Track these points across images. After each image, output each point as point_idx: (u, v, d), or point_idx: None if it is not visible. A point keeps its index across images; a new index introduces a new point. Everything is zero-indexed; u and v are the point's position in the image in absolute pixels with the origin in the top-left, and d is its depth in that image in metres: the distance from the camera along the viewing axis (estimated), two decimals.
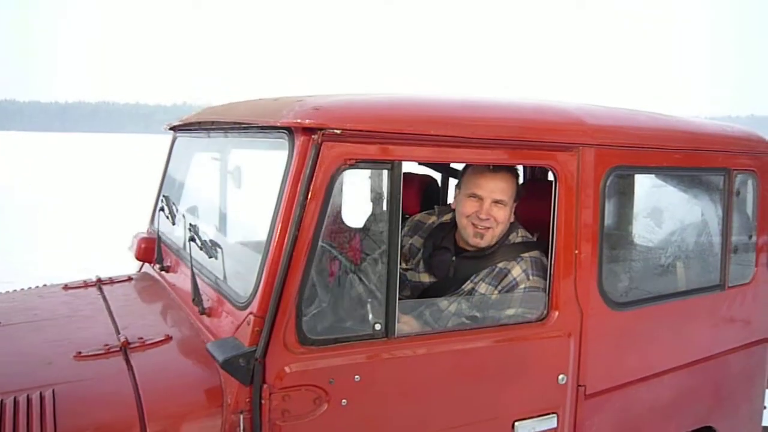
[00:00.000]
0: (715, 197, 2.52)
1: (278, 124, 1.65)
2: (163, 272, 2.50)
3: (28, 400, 1.54)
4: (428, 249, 2.37)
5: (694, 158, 2.35)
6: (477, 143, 1.85)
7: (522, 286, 2.13)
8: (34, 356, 1.78)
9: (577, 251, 2.03)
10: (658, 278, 2.48)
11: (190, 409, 1.63)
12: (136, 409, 1.58)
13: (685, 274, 2.50)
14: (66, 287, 2.54)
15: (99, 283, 2.58)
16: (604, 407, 2.19)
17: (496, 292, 2.15)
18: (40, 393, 1.56)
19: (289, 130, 1.68)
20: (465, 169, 2.29)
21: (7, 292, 2.55)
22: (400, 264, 2.40)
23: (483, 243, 2.19)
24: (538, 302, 2.06)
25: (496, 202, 2.15)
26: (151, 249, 2.65)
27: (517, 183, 2.19)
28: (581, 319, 2.07)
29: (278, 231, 1.62)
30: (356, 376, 1.72)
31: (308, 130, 1.62)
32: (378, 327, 1.76)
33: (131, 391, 1.62)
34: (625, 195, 2.41)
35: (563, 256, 2.02)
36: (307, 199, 1.62)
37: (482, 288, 2.18)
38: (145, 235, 2.77)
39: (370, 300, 1.79)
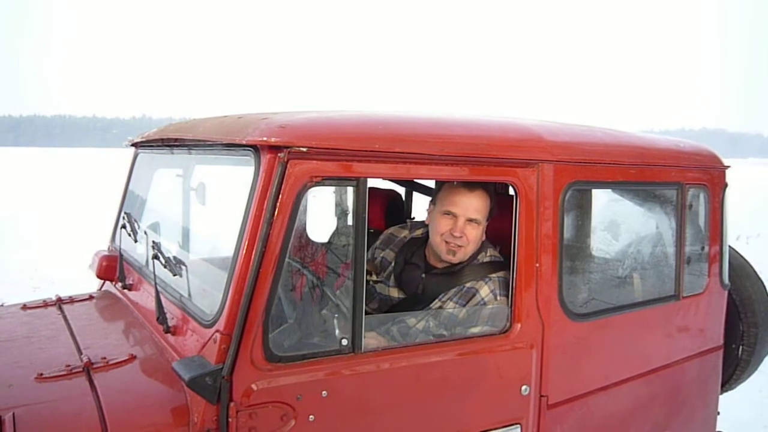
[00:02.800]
0: (669, 210, 2.63)
1: (244, 142, 1.66)
2: (125, 290, 2.46)
3: None
4: (399, 264, 2.40)
5: (648, 173, 2.45)
6: (441, 160, 1.89)
7: (489, 306, 2.17)
8: None
9: (537, 264, 2.09)
10: (615, 289, 2.56)
11: (156, 429, 1.60)
12: (101, 430, 1.55)
13: (641, 285, 2.59)
14: (25, 307, 2.47)
15: (59, 302, 2.52)
16: (566, 417, 2.24)
17: (463, 311, 2.19)
18: (0, 417, 1.52)
19: (255, 148, 1.69)
20: (440, 185, 2.34)
21: None
22: (371, 276, 2.43)
23: (455, 260, 2.23)
24: (502, 318, 2.11)
25: (471, 220, 2.20)
26: (112, 267, 2.61)
27: (491, 201, 2.24)
28: (543, 331, 2.12)
29: (245, 248, 1.62)
30: (323, 392, 1.73)
31: (274, 148, 1.64)
32: (344, 342, 1.77)
33: (95, 412, 1.59)
34: (582, 209, 2.50)
35: (524, 269, 2.07)
36: (273, 216, 1.63)
37: (449, 306, 2.21)
38: (106, 253, 2.72)
39: (336, 315, 1.80)
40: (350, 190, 1.76)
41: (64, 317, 2.31)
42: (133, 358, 1.88)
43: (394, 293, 2.37)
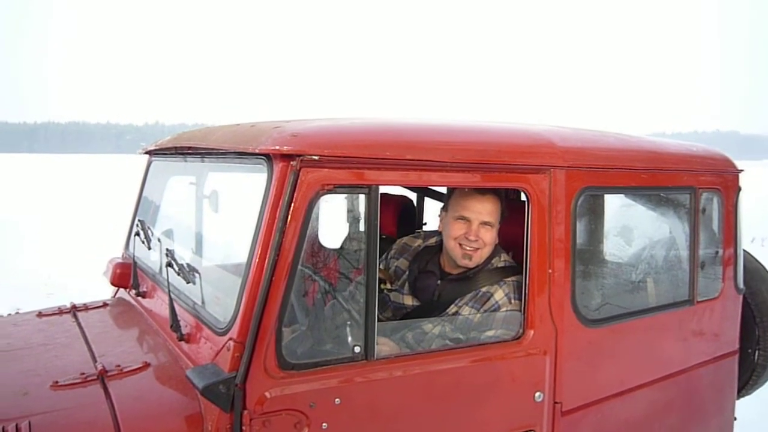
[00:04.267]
0: (682, 215, 2.61)
1: (257, 151, 1.67)
2: (139, 298, 2.48)
3: None
4: (413, 272, 2.41)
5: (661, 178, 2.43)
6: (452, 167, 1.89)
7: (504, 309, 2.17)
8: (9, 387, 1.75)
9: (550, 270, 2.08)
10: (629, 294, 2.55)
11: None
12: None
13: (655, 290, 2.57)
14: (40, 314, 2.50)
15: (74, 309, 2.54)
16: (580, 423, 2.23)
17: (478, 315, 2.19)
18: (17, 425, 1.53)
19: (268, 157, 1.70)
20: (451, 192, 2.34)
21: None
22: (385, 285, 2.43)
23: (471, 264, 2.24)
24: (516, 324, 2.11)
25: (484, 223, 2.21)
26: (126, 274, 2.63)
27: (502, 204, 2.24)
28: (556, 337, 2.11)
29: (258, 256, 1.63)
30: (336, 399, 1.73)
31: (287, 157, 1.65)
32: (357, 349, 1.78)
33: (110, 420, 1.61)
34: (595, 214, 2.48)
35: (537, 275, 2.07)
36: (286, 224, 1.64)
37: (465, 311, 2.22)
38: (120, 260, 2.75)
39: (349, 322, 1.80)
40: (362, 197, 1.76)
41: (79, 325, 2.33)
42: (147, 365, 1.90)
43: (409, 301, 2.37)
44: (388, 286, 2.43)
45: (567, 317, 2.13)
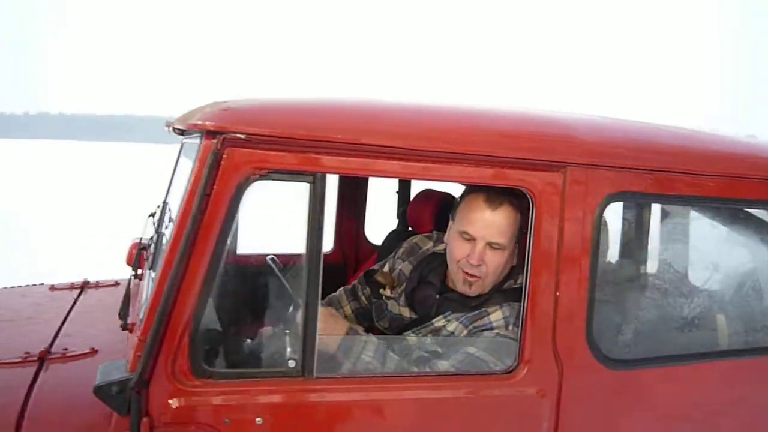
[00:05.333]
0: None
1: (183, 127, 1.48)
2: (137, 280, 2.42)
3: None
4: (413, 281, 2.09)
5: (738, 188, 1.88)
6: (425, 157, 1.56)
7: (496, 332, 1.79)
8: None
9: (558, 293, 1.67)
10: (679, 332, 2.01)
11: None
12: (14, 428, 1.46)
13: (720, 330, 2.01)
14: (52, 288, 2.54)
15: (84, 286, 2.56)
16: None
17: (465, 331, 1.83)
18: None
19: (201, 135, 1.50)
20: (462, 195, 1.98)
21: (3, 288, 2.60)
22: (385, 291, 2.14)
23: (471, 292, 1.86)
24: (510, 353, 1.72)
25: (493, 245, 1.79)
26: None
27: (520, 218, 1.81)
28: (560, 377, 1.69)
29: (169, 245, 1.44)
30: (258, 419, 1.49)
31: (211, 134, 1.44)
32: (292, 364, 1.52)
33: (17, 407, 1.51)
34: (633, 227, 1.99)
35: (538, 297, 1.66)
36: (202, 210, 1.42)
37: (452, 326, 1.86)
38: (137, 241, 2.72)
39: (287, 332, 1.55)
40: (306, 187, 1.50)
41: (75, 302, 2.32)
42: (94, 352, 1.79)
43: (406, 313, 2.05)
44: (388, 293, 2.13)
45: (579, 353, 1.70)
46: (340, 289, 2.31)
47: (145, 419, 1.41)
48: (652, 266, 2.06)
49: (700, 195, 1.81)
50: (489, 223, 1.78)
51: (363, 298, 2.25)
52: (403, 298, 2.07)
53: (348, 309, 2.27)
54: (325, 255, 3.01)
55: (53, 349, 1.79)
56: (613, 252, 1.90)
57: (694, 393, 1.87)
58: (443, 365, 1.71)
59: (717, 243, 2.08)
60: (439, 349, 1.79)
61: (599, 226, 1.69)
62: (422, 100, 1.78)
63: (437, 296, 1.97)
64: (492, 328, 1.79)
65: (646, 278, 2.05)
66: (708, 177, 1.80)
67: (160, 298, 1.41)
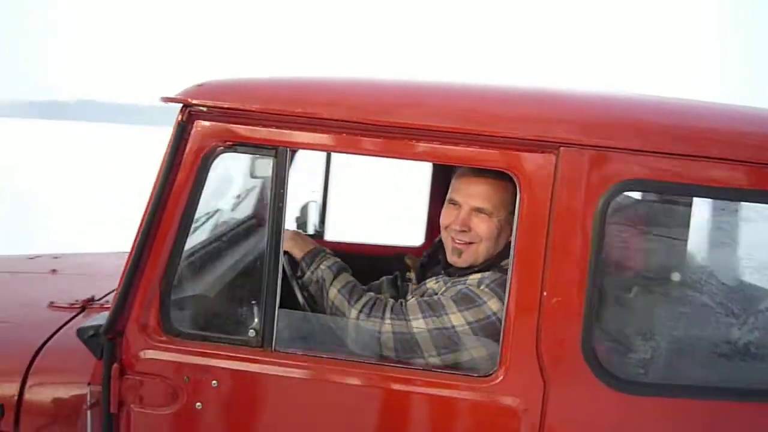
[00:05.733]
0: None
1: (161, 100, 1.59)
2: None
3: None
4: (425, 260, 2.03)
5: None
6: (393, 133, 1.47)
7: (468, 287, 1.67)
8: (14, 300, 2.08)
9: (545, 293, 1.45)
10: (722, 359, 1.58)
11: (71, 371, 1.68)
12: (30, 359, 1.70)
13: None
14: (55, 257, 2.79)
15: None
16: None
17: (444, 287, 1.73)
18: None
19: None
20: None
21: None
22: (411, 274, 2.09)
23: (461, 262, 1.74)
24: (489, 353, 1.55)
25: (477, 210, 1.69)
26: None
27: (512, 189, 1.66)
28: (545, 390, 1.47)
29: (145, 207, 1.56)
30: (213, 382, 1.55)
31: (184, 107, 1.53)
32: (252, 334, 1.55)
33: (41, 341, 1.76)
34: (666, 224, 1.62)
35: (520, 295, 1.47)
36: (172, 179, 1.52)
37: (434, 284, 1.78)
38: None
39: (253, 302, 1.59)
40: (269, 161, 1.51)
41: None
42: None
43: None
44: (411, 275, 2.07)
45: (571, 365, 1.46)
46: (383, 277, 2.29)
47: (115, 365, 1.56)
48: (688, 274, 1.66)
49: (754, 188, 1.43)
50: (473, 188, 1.71)
51: (399, 284, 2.22)
52: (414, 277, 2.01)
53: (385, 297, 2.25)
54: (415, 248, 2.99)
55: (99, 300, 2.05)
56: (622, 249, 1.58)
57: None
58: (414, 325, 1.62)
59: None
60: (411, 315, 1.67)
61: (603, 219, 1.43)
62: (399, 76, 1.68)
63: (442, 271, 1.87)
64: (465, 284, 1.65)
65: (677, 288, 1.66)
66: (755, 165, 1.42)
67: (133, 254, 1.54)
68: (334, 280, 1.76)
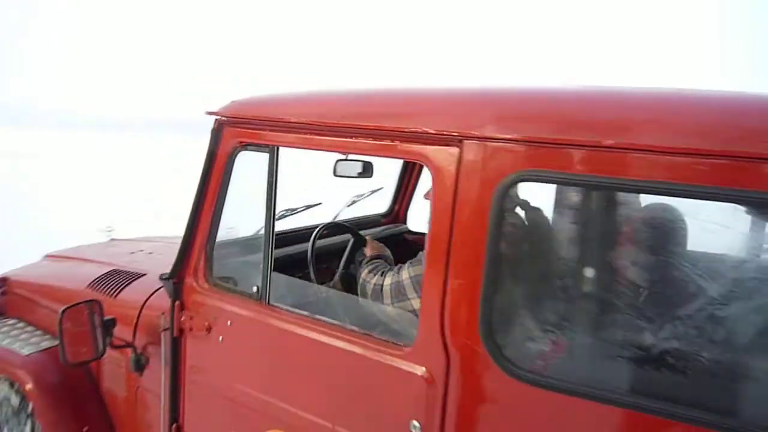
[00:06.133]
0: None
1: (206, 113, 2.16)
2: None
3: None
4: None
5: (735, 172, 1.22)
6: (342, 132, 1.78)
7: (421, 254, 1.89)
8: None
9: (447, 276, 1.57)
10: (622, 364, 1.35)
11: (162, 308, 2.36)
12: (146, 298, 2.47)
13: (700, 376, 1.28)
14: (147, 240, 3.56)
15: None
16: None
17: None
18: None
19: None
20: None
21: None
22: None
23: None
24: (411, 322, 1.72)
25: None
26: None
27: None
28: (447, 369, 1.58)
29: (195, 194, 2.16)
30: (228, 322, 2.06)
31: (216, 119, 2.09)
32: (254, 289, 2.02)
33: (146, 295, 2.51)
34: (573, 217, 1.46)
35: (431, 277, 1.62)
36: (210, 171, 2.09)
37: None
38: None
39: (261, 265, 2.06)
40: (266, 156, 1.97)
41: None
42: None
43: None
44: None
45: (471, 349, 1.55)
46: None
47: (177, 302, 2.20)
48: (599, 272, 1.45)
49: (674, 181, 1.31)
50: None
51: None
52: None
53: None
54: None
55: None
56: (526, 239, 1.49)
57: None
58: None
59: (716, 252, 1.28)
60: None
61: (501, 208, 1.49)
62: (356, 85, 1.93)
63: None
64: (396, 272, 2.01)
65: (583, 284, 1.46)
66: (688, 156, 1.29)
67: (188, 225, 2.16)
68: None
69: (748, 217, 1.39)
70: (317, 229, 2.51)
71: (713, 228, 1.37)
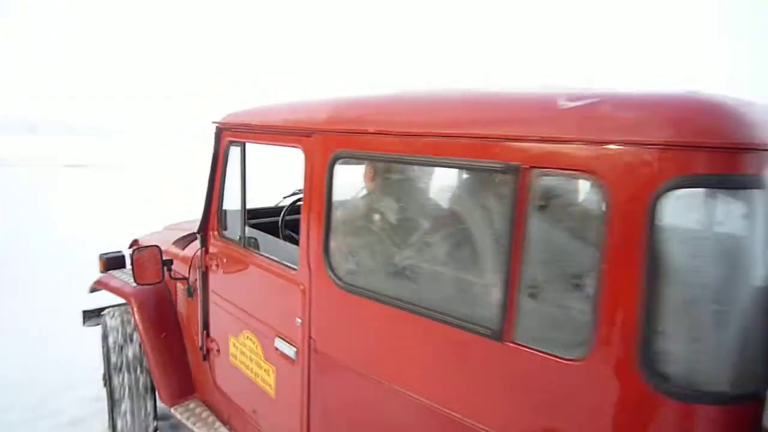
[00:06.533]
0: (496, 203, 1.76)
1: (212, 123, 3.21)
2: None
3: None
4: None
5: (439, 147, 1.88)
6: (275, 131, 2.69)
7: None
8: None
9: (309, 221, 2.42)
10: (392, 278, 1.99)
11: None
12: (194, 254, 3.64)
13: (427, 289, 1.90)
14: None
15: None
16: (333, 374, 2.36)
17: None
18: None
19: None
20: None
21: None
22: None
23: None
24: None
25: None
26: None
27: None
28: (309, 279, 2.43)
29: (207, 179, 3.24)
30: (225, 259, 3.11)
31: (216, 126, 3.14)
32: (237, 238, 3.04)
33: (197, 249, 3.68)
34: (373, 185, 2.13)
35: (307, 220, 2.46)
36: (216, 165, 3.16)
37: None
38: None
39: (246, 226, 3.07)
40: (238, 149, 2.96)
41: None
42: None
43: None
44: None
45: (321, 267, 2.37)
46: None
47: (204, 248, 3.31)
48: (377, 217, 2.07)
49: (406, 153, 2.02)
50: None
51: None
52: None
53: None
54: None
55: None
56: (342, 199, 2.21)
57: (393, 332, 2.06)
58: None
59: (440, 202, 1.85)
60: None
61: (331, 178, 2.30)
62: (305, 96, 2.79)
63: None
64: None
65: (368, 225, 2.11)
66: (408, 137, 2.00)
67: (205, 199, 3.25)
68: None
69: (457, 177, 2.02)
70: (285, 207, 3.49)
71: (443, 188, 2.04)
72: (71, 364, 5.04)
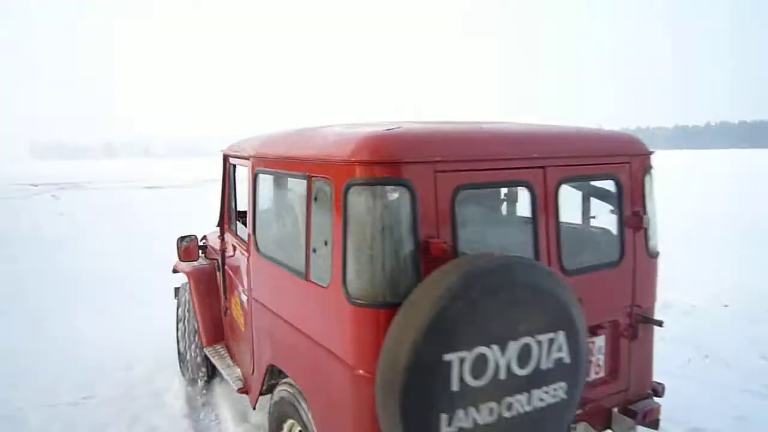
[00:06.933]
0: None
1: (220, 151, 4.67)
2: None
3: None
4: None
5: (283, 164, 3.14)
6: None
7: None
8: None
9: (248, 209, 3.76)
10: (279, 246, 3.24)
11: None
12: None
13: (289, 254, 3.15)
14: None
15: None
16: (261, 317, 3.64)
17: None
18: None
19: None
20: None
21: None
22: None
23: None
24: None
25: None
26: None
27: None
28: (249, 248, 3.76)
29: (221, 190, 4.71)
30: (231, 244, 4.56)
31: (224, 154, 4.61)
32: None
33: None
34: (269, 191, 3.39)
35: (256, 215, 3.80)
36: (226, 179, 4.64)
37: None
38: None
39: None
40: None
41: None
42: None
43: None
44: None
45: (252, 240, 3.69)
46: None
47: (221, 236, 4.81)
48: (271, 210, 3.31)
49: (281, 170, 3.31)
50: None
51: None
52: None
53: None
54: None
55: None
56: (261, 200, 3.46)
57: (281, 284, 3.33)
58: None
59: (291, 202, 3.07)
60: None
61: (256, 186, 3.63)
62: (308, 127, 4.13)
63: None
64: None
65: (274, 217, 3.36)
66: (280, 159, 3.28)
67: (221, 201, 4.74)
68: None
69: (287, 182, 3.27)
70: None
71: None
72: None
